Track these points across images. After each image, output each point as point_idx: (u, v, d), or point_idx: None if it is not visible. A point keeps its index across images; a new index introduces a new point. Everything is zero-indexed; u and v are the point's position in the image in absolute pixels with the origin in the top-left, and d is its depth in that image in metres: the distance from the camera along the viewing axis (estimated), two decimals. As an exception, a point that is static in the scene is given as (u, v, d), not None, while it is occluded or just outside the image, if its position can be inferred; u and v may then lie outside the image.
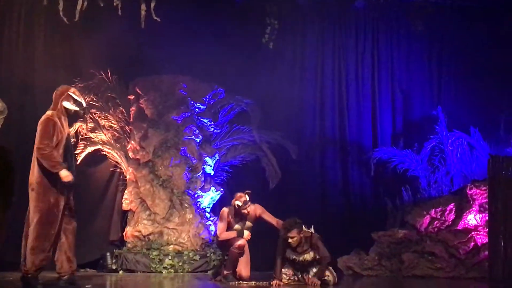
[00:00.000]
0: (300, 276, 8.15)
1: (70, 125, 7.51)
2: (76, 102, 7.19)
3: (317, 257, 8.04)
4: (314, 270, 8.08)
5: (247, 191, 8.60)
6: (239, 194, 8.58)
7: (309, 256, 8.05)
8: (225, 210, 8.67)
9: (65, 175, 6.74)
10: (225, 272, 8.55)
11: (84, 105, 7.35)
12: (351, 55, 12.84)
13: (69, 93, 7.20)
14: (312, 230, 8.10)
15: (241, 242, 8.46)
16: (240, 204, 8.46)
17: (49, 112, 7.10)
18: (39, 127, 6.97)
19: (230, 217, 8.58)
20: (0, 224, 1.28)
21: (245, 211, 8.49)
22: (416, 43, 12.78)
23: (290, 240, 7.89)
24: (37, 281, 6.86)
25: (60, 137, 6.93)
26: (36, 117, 10.92)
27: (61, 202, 6.82)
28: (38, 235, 6.71)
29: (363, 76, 12.80)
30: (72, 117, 7.30)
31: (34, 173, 6.76)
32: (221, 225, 8.56)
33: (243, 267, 8.62)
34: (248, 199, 8.53)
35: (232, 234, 8.52)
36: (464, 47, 12.50)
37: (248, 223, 8.63)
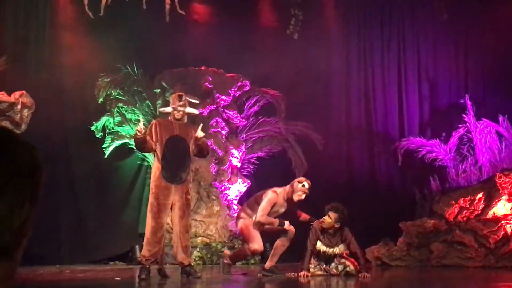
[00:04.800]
0: (324, 266, 8.12)
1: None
2: (172, 106, 7.63)
3: (346, 251, 8.00)
4: (336, 262, 8.04)
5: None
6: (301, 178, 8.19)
7: (339, 249, 8.00)
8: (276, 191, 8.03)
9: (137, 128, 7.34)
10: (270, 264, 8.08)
11: (178, 108, 7.61)
12: (377, 45, 12.79)
13: (172, 96, 7.77)
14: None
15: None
16: (307, 185, 7.95)
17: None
18: None
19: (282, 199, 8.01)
20: (28, 217, 1.29)
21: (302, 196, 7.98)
22: (442, 31, 12.66)
23: (325, 218, 7.78)
24: (145, 272, 7.37)
25: (159, 138, 7.45)
26: (62, 112, 11.09)
27: (161, 198, 7.37)
28: (147, 229, 7.46)
29: (389, 66, 12.75)
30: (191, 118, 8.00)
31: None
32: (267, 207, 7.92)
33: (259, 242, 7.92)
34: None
35: (275, 221, 7.91)
36: (490, 34, 12.35)
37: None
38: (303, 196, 7.91)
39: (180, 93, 7.82)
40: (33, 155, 1.24)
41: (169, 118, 7.72)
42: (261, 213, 7.82)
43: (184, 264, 7.61)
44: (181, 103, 7.58)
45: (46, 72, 11.25)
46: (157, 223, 7.39)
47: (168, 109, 7.69)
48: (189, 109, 7.69)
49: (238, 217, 8.20)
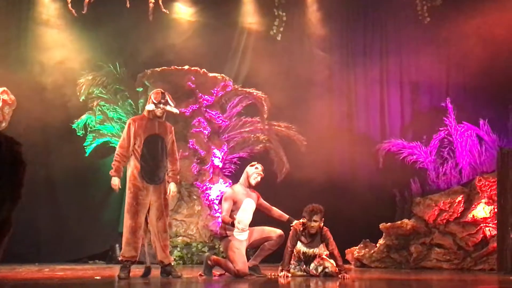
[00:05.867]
0: (304, 267, 8.12)
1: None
2: (153, 103, 7.53)
3: (325, 252, 8.01)
4: (316, 262, 8.04)
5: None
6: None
7: (319, 250, 8.01)
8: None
9: (112, 183, 7.41)
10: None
11: (160, 105, 7.56)
12: (359, 47, 12.84)
13: (151, 94, 7.64)
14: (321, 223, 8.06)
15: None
16: (260, 168, 8.08)
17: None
18: None
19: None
20: (8, 215, 1.29)
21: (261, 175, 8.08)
22: (424, 34, 12.71)
23: (312, 224, 7.82)
24: (125, 271, 7.31)
25: (138, 137, 7.40)
26: (43, 109, 11.02)
27: (140, 198, 7.36)
28: (125, 229, 7.43)
29: (371, 68, 12.78)
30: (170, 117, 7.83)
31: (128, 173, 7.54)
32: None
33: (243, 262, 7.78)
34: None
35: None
36: (471, 38, 12.41)
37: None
38: (258, 178, 8.03)
39: (162, 90, 7.75)
40: (16, 151, 1.23)
41: (146, 115, 7.61)
42: (223, 213, 7.80)
43: (164, 263, 7.59)
44: (163, 100, 7.55)
45: (27, 69, 11.18)
46: (136, 223, 7.37)
47: (151, 107, 7.59)
48: (170, 108, 7.63)
49: (222, 236, 7.98)
